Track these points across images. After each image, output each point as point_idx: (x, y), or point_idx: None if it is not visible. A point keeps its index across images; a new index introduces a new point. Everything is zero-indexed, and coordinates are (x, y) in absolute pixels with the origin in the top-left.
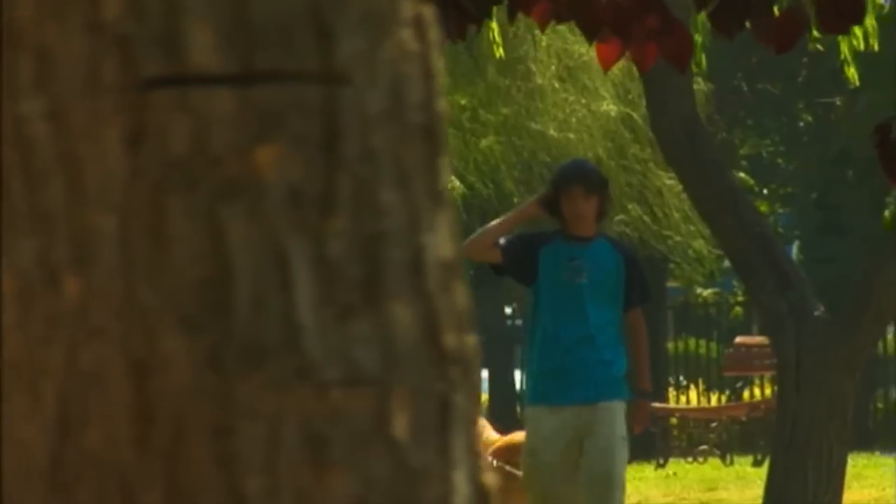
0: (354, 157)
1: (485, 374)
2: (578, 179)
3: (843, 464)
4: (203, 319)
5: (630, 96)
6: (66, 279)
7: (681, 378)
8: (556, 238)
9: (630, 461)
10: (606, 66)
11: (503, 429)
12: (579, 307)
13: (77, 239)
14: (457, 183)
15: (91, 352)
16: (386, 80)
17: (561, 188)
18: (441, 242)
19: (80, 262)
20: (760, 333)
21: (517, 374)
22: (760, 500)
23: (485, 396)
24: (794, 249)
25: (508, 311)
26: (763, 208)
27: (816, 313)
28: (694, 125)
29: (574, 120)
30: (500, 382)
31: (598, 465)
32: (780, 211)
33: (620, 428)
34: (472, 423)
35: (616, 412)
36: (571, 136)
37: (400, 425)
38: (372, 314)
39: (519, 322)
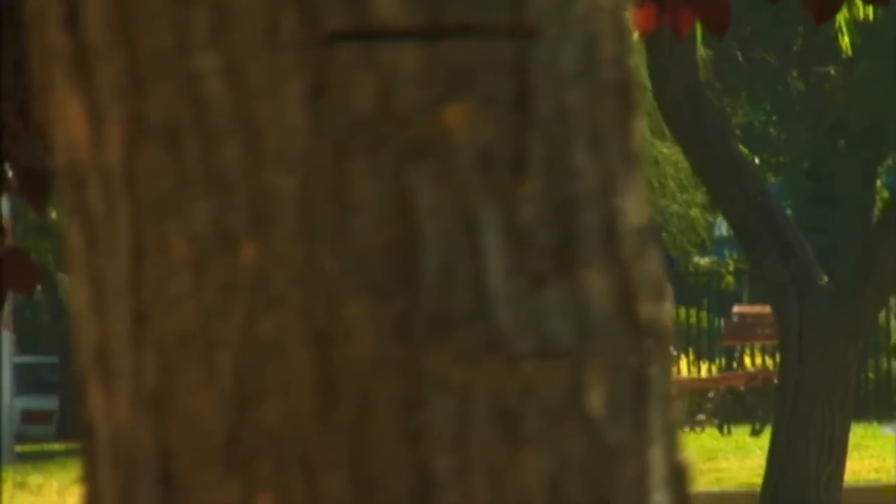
0: (547, 116)
1: None
2: None
3: (846, 434)
4: (389, 287)
5: None
6: (243, 244)
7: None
8: None
9: None
10: (643, 32)
11: None
12: None
13: (255, 202)
14: None
15: (269, 321)
16: (578, 35)
17: None
18: (635, 207)
19: (257, 226)
20: (750, 302)
21: None
22: (760, 470)
23: None
24: None
25: None
26: None
27: (819, 283)
28: (697, 93)
29: None
30: None
31: None
32: (772, 181)
33: None
34: (668, 398)
35: None
36: None
37: (595, 400)
38: (565, 283)
39: None
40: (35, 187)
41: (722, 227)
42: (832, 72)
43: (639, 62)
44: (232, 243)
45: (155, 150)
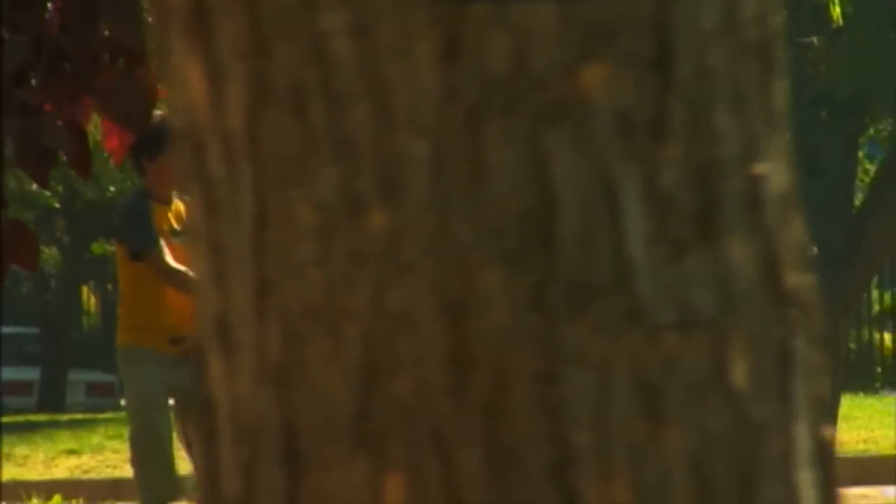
0: (688, 77)
1: None
2: None
3: (837, 405)
4: (525, 255)
5: None
6: (372, 211)
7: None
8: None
9: None
10: None
11: None
12: None
13: (384, 167)
14: None
15: (400, 291)
16: None
17: None
18: (778, 171)
19: (387, 192)
20: None
21: None
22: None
23: None
24: None
25: None
26: None
27: (810, 255)
28: None
29: None
30: None
31: None
32: None
33: None
34: (814, 372)
35: None
36: None
37: (739, 374)
38: (707, 251)
39: None
40: (38, 160)
41: None
42: (816, 42)
43: None
44: (360, 210)
45: (279, 113)
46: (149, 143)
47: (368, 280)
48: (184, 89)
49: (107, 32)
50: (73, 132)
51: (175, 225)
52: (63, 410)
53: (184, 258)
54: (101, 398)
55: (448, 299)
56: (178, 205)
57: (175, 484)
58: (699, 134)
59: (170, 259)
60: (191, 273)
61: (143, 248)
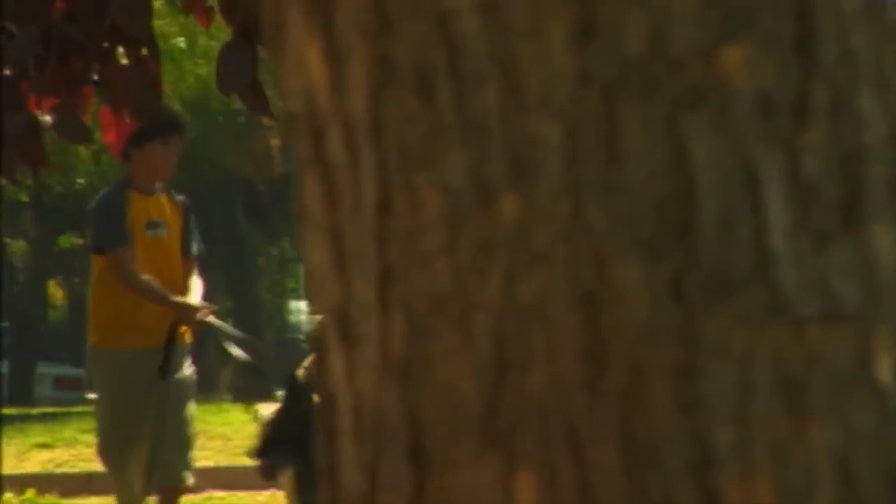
0: (831, 60)
1: None
2: None
3: None
4: (663, 245)
5: None
6: (502, 197)
7: None
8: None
9: None
10: None
11: None
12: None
13: (516, 151)
14: None
15: (531, 282)
16: None
17: None
18: None
19: (518, 177)
20: None
21: None
22: None
23: None
24: None
25: None
26: None
27: None
28: None
29: None
30: None
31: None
32: None
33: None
34: None
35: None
36: None
37: (885, 369)
38: (851, 240)
39: None
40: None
41: None
42: None
43: None
44: (490, 197)
45: (404, 95)
46: (137, 131)
47: (498, 270)
48: (301, 70)
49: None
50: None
51: (155, 217)
52: (32, 404)
53: (158, 252)
54: (69, 391)
55: (582, 290)
56: (161, 196)
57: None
58: (843, 118)
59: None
60: (154, 282)
61: (107, 245)
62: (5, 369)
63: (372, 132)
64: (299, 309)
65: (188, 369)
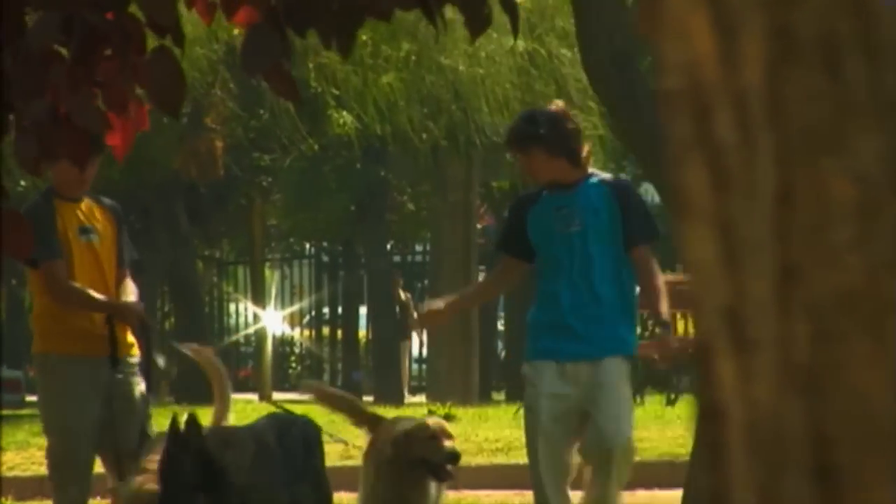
0: None
1: (363, 310)
2: (508, 143)
3: None
4: None
5: (536, 32)
6: None
7: None
8: (543, 192)
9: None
10: None
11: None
12: (576, 257)
13: None
14: (348, 118)
15: None
16: None
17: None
18: None
19: None
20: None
21: (396, 310)
22: (681, 440)
23: (363, 332)
24: None
25: (388, 246)
26: None
27: None
28: (626, 60)
29: (483, 55)
30: (381, 317)
31: (606, 432)
32: None
33: (625, 387)
34: None
35: (621, 370)
36: (480, 70)
37: None
38: None
39: (397, 258)
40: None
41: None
42: None
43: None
44: None
45: (807, 71)
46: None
47: None
48: (683, 42)
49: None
50: (101, 113)
51: (86, 223)
52: None
53: (92, 258)
54: (8, 394)
55: None
56: (87, 202)
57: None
58: None
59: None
60: (89, 292)
61: (39, 258)
62: None
63: (769, 111)
64: (238, 312)
65: (139, 385)
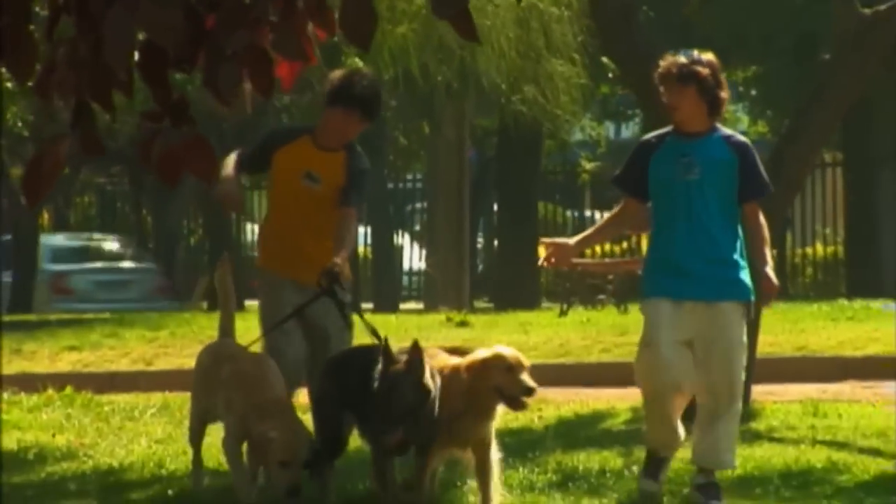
0: None
1: (363, 229)
2: (666, 76)
3: (759, 316)
4: None
5: None
6: None
7: None
8: (667, 137)
9: (537, 307)
10: None
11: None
12: (694, 203)
13: None
14: (360, 63)
15: None
16: None
17: (660, 83)
18: None
19: None
20: None
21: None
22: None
23: (363, 249)
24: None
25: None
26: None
27: None
28: (632, 13)
29: (489, 8)
30: (379, 235)
31: (719, 373)
32: (622, 92)
33: (739, 330)
34: None
35: (735, 313)
36: (487, 22)
37: None
38: None
39: (391, 185)
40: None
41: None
42: None
43: None
44: None
45: None
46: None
47: None
48: None
49: None
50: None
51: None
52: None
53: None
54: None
55: None
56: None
57: None
58: None
59: None
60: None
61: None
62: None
63: None
64: (255, 231)
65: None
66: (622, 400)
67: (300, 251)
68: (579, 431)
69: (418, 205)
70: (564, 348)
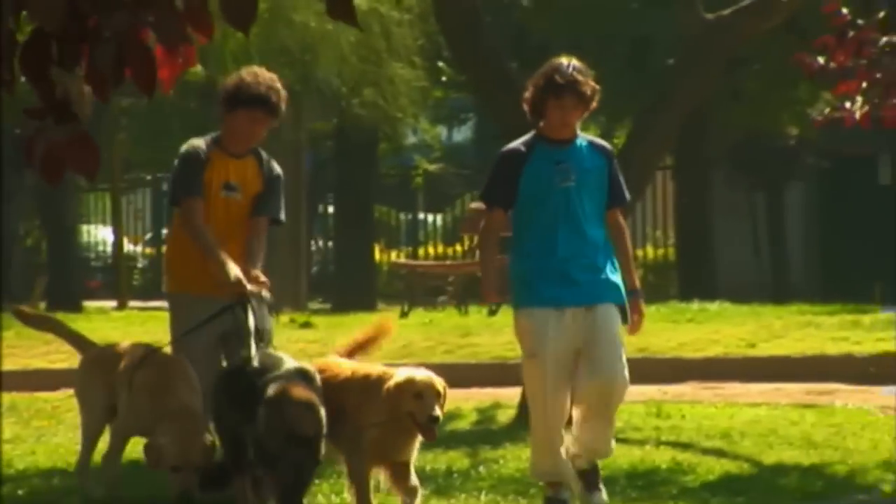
0: None
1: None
2: (569, 86)
3: None
4: None
5: None
6: None
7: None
8: (536, 145)
9: (374, 309)
10: None
11: None
12: (571, 210)
13: None
14: (198, 68)
15: None
16: None
17: (550, 94)
18: None
19: None
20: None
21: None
22: (511, 346)
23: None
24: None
25: None
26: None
27: None
28: (477, 17)
29: None
30: None
31: (603, 373)
32: (455, 96)
33: (619, 330)
34: None
35: (615, 316)
36: (329, 26)
37: None
38: None
39: None
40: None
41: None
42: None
43: None
44: None
45: None
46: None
47: None
48: None
49: None
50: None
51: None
52: None
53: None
54: None
55: None
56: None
57: None
58: None
59: None
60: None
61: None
62: None
63: None
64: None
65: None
66: (467, 401)
67: None
68: None
69: None
70: (408, 349)
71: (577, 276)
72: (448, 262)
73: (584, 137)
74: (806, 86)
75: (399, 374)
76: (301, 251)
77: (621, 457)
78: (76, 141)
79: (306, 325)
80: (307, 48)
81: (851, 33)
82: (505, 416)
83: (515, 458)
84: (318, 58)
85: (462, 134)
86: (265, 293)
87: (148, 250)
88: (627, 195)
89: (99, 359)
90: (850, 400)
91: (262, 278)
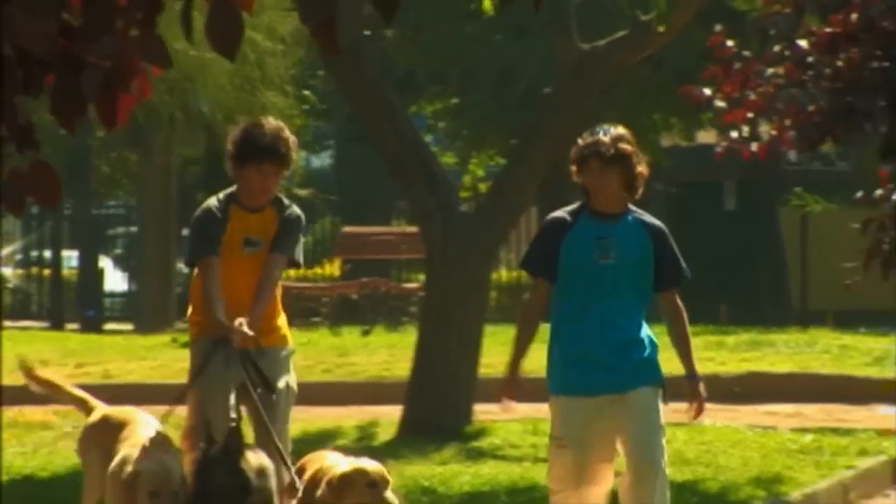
0: None
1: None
2: (592, 152)
3: (480, 335)
4: None
5: (254, 21)
6: None
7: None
8: (580, 216)
9: None
10: None
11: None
12: (606, 289)
13: None
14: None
15: None
16: None
17: (577, 160)
18: None
19: None
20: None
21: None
22: (387, 364)
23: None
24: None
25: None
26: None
27: (460, 209)
28: (359, 48)
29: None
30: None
31: (639, 460)
32: (315, 124)
33: (656, 415)
34: None
35: (649, 399)
36: (208, 55)
37: None
38: None
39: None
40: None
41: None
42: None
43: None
44: None
45: None
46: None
47: None
48: None
49: None
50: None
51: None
52: None
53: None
54: None
55: None
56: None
57: None
58: None
59: None
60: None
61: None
62: None
63: None
64: None
65: None
66: (347, 418)
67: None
68: (308, 449)
69: (120, 229)
70: None
71: (610, 361)
72: (321, 284)
73: (635, 213)
74: (659, 115)
75: (342, 464)
76: (170, 272)
77: (501, 473)
78: (36, 170)
79: (187, 345)
80: (187, 76)
81: (738, 65)
82: (385, 433)
83: (398, 475)
84: (197, 85)
85: (321, 160)
86: (277, 344)
87: (18, 272)
88: (687, 274)
89: (99, 427)
90: (718, 418)
91: (245, 329)
